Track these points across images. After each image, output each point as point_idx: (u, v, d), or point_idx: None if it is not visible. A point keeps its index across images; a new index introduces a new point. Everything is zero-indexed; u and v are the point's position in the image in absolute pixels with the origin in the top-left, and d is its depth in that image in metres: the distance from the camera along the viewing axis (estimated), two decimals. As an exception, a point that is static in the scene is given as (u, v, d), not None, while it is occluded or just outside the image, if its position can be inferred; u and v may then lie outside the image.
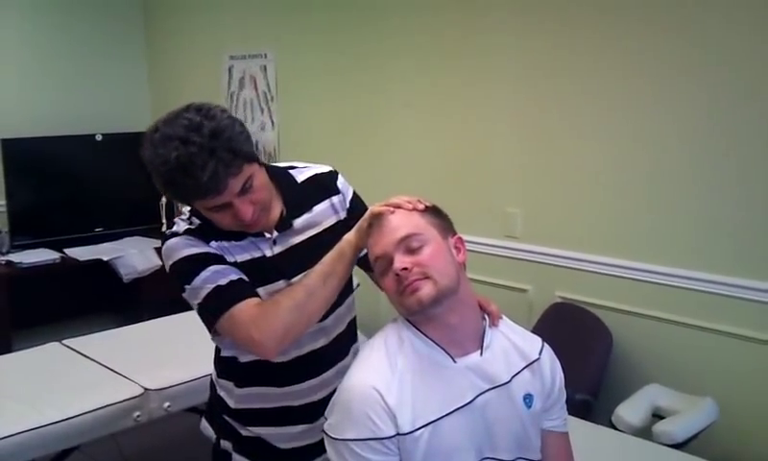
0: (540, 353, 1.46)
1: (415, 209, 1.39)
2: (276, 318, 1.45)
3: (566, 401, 1.51)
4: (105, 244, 4.55)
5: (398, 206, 1.40)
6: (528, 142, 3.06)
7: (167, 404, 2.63)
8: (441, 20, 3.31)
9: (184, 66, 4.90)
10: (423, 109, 3.46)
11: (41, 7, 4.70)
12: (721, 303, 2.53)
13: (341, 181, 1.69)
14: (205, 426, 1.78)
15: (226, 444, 1.71)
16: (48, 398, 2.50)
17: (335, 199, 1.66)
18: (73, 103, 4.80)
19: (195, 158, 1.36)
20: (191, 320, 1.58)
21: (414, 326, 1.37)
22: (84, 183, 4.72)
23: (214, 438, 1.74)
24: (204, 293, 1.48)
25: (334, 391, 1.38)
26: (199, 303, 1.50)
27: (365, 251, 1.46)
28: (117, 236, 4.68)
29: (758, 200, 2.43)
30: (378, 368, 1.33)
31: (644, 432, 2.36)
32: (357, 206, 1.67)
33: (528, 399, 1.40)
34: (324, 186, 1.67)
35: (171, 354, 2.90)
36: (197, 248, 1.51)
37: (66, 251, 4.38)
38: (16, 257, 4.20)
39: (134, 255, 4.37)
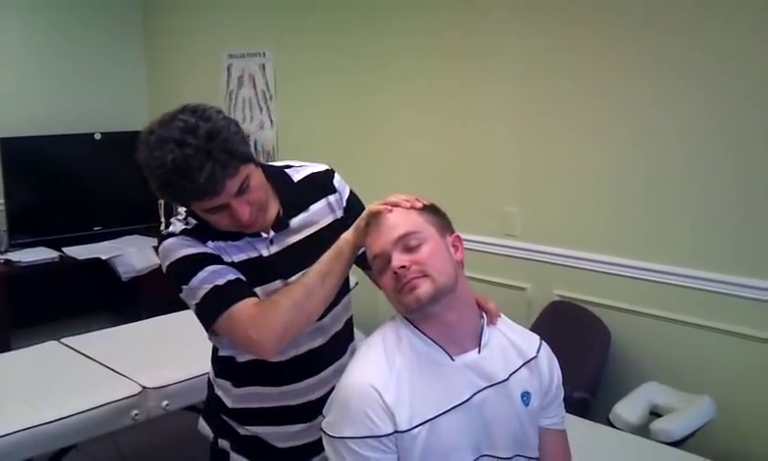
0: (538, 351, 1.46)
1: (413, 208, 1.39)
2: (274, 317, 1.45)
3: (564, 399, 1.51)
4: (103, 243, 4.55)
5: (396, 205, 1.40)
6: (527, 141, 3.06)
7: (165, 403, 2.63)
8: (440, 20, 3.31)
9: (183, 65, 4.90)
10: (423, 109, 3.46)
11: (40, 6, 4.69)
12: (719, 301, 2.54)
13: (337, 180, 1.69)
14: (203, 426, 1.78)
15: (224, 443, 1.71)
16: (46, 396, 2.49)
17: (332, 198, 1.66)
18: (71, 102, 4.80)
19: (191, 161, 1.36)
20: (190, 319, 1.57)
21: (412, 324, 1.37)
22: (83, 182, 4.72)
23: (212, 437, 1.74)
24: (201, 293, 1.48)
25: (332, 390, 1.39)
26: (196, 304, 1.50)
27: (363, 249, 1.46)
28: (116, 235, 4.68)
29: (757, 198, 2.44)
30: (376, 366, 1.33)
31: (642, 430, 2.37)
32: (354, 205, 1.67)
33: (526, 396, 1.40)
34: (320, 185, 1.66)
35: (169, 353, 2.90)
36: (194, 248, 1.50)
37: (65, 249, 4.38)
38: (15, 256, 4.20)
39: (133, 254, 4.37)
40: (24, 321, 4.16)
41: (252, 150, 4.28)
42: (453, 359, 1.35)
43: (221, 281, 1.47)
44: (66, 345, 3.01)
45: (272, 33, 4.22)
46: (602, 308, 2.84)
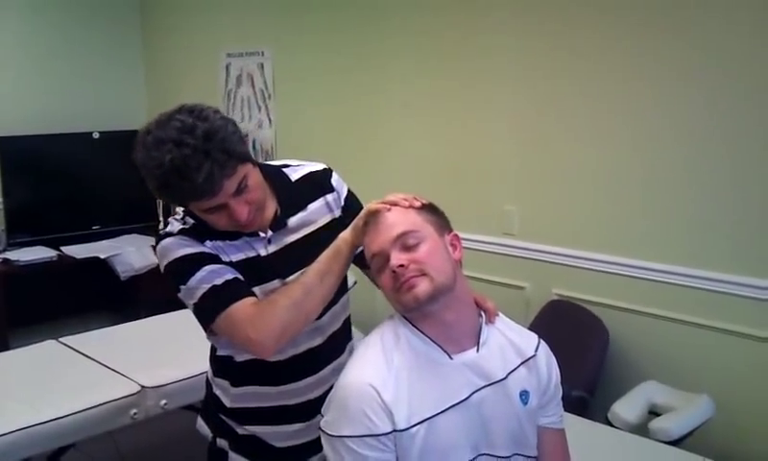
0: (537, 350, 1.46)
1: (411, 207, 1.40)
2: (273, 317, 1.44)
3: (563, 398, 1.51)
4: (102, 242, 4.55)
5: (395, 204, 1.40)
6: (526, 141, 3.06)
7: (164, 402, 2.63)
8: (440, 20, 3.30)
9: (181, 64, 4.90)
10: (422, 108, 3.46)
11: (38, 5, 4.69)
12: (718, 300, 2.54)
13: (335, 179, 1.69)
14: (201, 425, 1.78)
15: (222, 442, 1.71)
16: (45, 395, 2.49)
17: (330, 197, 1.66)
18: (70, 101, 4.80)
19: (189, 161, 1.35)
20: (188, 318, 1.57)
21: (410, 323, 1.37)
22: (82, 181, 4.72)
23: (210, 436, 1.74)
24: (199, 293, 1.48)
25: (330, 389, 1.38)
26: (195, 303, 1.50)
27: (361, 248, 1.46)
28: (114, 234, 4.68)
29: (756, 197, 2.44)
30: (375, 365, 1.33)
31: (640, 429, 2.37)
32: (352, 204, 1.67)
33: (524, 395, 1.40)
34: (318, 184, 1.66)
35: (168, 352, 2.90)
36: (192, 248, 1.50)
37: (63, 249, 4.38)
38: (13, 255, 4.19)
39: (132, 253, 4.37)
40: (22, 320, 4.16)
41: (251, 149, 4.29)
42: (452, 358, 1.35)
43: (219, 281, 1.47)
44: (65, 344, 3.00)
45: (270, 32, 4.21)
46: (601, 307, 2.84)
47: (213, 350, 1.70)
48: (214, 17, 4.57)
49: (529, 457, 1.43)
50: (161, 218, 4.60)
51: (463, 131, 3.29)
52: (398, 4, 3.47)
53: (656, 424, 2.34)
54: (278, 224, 1.57)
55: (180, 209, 1.58)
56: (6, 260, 4.16)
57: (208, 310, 1.49)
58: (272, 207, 1.57)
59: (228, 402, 1.68)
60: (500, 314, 1.48)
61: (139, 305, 4.14)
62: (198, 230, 1.52)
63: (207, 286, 1.47)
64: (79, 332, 3.18)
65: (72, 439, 2.47)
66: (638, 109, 2.69)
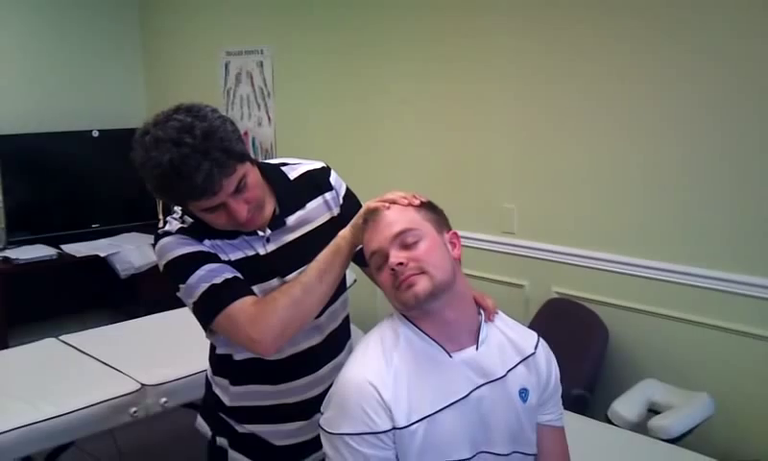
0: (536, 348, 1.46)
1: (410, 205, 1.40)
2: (273, 315, 1.44)
3: (562, 396, 1.51)
4: (102, 240, 4.55)
5: (394, 202, 1.40)
6: (525, 139, 3.06)
7: (164, 400, 2.63)
8: (438, 19, 3.30)
9: (181, 62, 4.89)
10: (421, 107, 3.46)
11: (38, 4, 4.69)
12: (718, 298, 2.54)
13: (334, 178, 1.69)
14: (201, 423, 1.78)
15: (222, 440, 1.71)
16: (45, 393, 2.49)
17: (328, 195, 1.66)
18: (69, 99, 4.80)
19: (188, 160, 1.35)
20: (188, 316, 1.57)
21: (409, 321, 1.37)
22: (81, 180, 4.72)
23: (210, 435, 1.74)
24: (199, 291, 1.48)
25: (329, 387, 1.38)
26: (194, 302, 1.50)
27: (360, 246, 1.46)
28: (114, 232, 4.68)
29: (756, 195, 2.44)
30: (374, 363, 1.33)
31: (640, 427, 2.37)
32: (351, 202, 1.67)
33: (523, 393, 1.40)
34: (316, 183, 1.66)
35: (168, 350, 2.90)
36: (190, 246, 1.50)
37: (63, 247, 4.38)
38: (13, 253, 4.20)
39: (131, 251, 4.38)
40: (22, 318, 4.16)
41: (251, 147, 4.30)
42: (451, 356, 1.35)
43: (218, 280, 1.47)
44: (65, 342, 3.00)
45: (270, 30, 4.21)
46: (600, 305, 2.84)
47: (212, 348, 1.70)
48: (213, 15, 4.57)
49: (528, 455, 1.44)
50: (161, 216, 4.60)
51: (462, 129, 3.29)
52: (398, 2, 3.47)
53: (655, 422, 2.34)
54: (277, 222, 1.57)
55: (178, 208, 1.58)
56: (6, 259, 4.16)
57: (208, 309, 1.48)
58: (270, 206, 1.57)
59: (227, 401, 1.68)
60: (499, 312, 1.48)
61: (139, 304, 4.15)
62: (196, 229, 1.52)
63: (207, 285, 1.47)
64: (79, 330, 3.18)
65: (72, 437, 2.47)
66: (637, 107, 2.69)
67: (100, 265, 4.32)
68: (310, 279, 1.48)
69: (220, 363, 1.68)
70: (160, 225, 1.58)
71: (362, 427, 1.27)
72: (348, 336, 1.75)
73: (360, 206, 1.51)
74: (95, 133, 4.66)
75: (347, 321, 1.74)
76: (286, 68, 4.15)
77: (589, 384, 2.65)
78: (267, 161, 1.67)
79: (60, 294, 4.53)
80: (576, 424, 1.98)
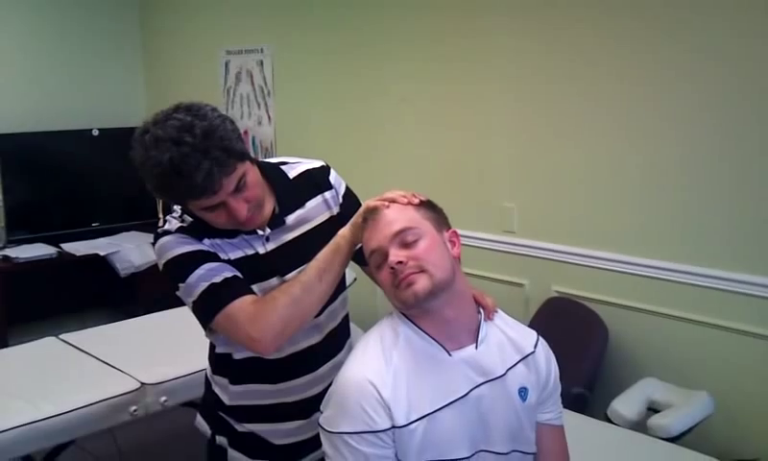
0: (535, 347, 1.46)
1: (410, 204, 1.40)
2: (273, 314, 1.44)
3: (562, 395, 1.51)
4: (101, 239, 4.56)
5: (393, 201, 1.40)
6: (525, 138, 3.06)
7: (164, 399, 2.62)
8: (439, 18, 3.30)
9: (180, 61, 4.89)
10: (420, 105, 3.46)
11: (37, 3, 4.68)
12: (717, 297, 2.54)
13: (333, 176, 1.69)
14: (200, 422, 1.78)
15: (221, 439, 1.71)
16: (44, 392, 2.49)
17: (327, 194, 1.66)
18: (69, 98, 4.80)
19: (188, 159, 1.35)
20: (188, 315, 1.57)
21: (409, 319, 1.37)
22: (81, 178, 4.72)
23: (209, 433, 1.74)
24: (198, 291, 1.47)
25: (329, 386, 1.38)
26: (193, 301, 1.50)
27: (360, 245, 1.46)
28: (114, 231, 4.69)
29: (756, 194, 2.44)
30: (373, 361, 1.33)
31: (639, 426, 2.37)
32: (350, 201, 1.67)
33: (523, 392, 1.40)
34: (316, 182, 1.66)
35: (168, 349, 2.90)
36: (190, 245, 1.50)
37: (63, 246, 4.38)
38: (13, 252, 4.20)
39: (131, 250, 4.38)
40: (22, 317, 4.16)
41: (251, 146, 4.30)
42: (450, 355, 1.35)
43: (218, 279, 1.47)
44: (64, 341, 3.00)
45: (269, 29, 4.21)
46: (600, 304, 2.84)
47: (212, 347, 1.70)
48: (213, 14, 4.57)
49: (528, 454, 1.44)
50: (161, 215, 4.58)
51: (462, 128, 3.29)
52: (398, 2, 3.47)
53: (655, 420, 2.34)
54: (277, 221, 1.57)
55: (177, 207, 1.58)
56: (6, 257, 4.16)
57: (207, 308, 1.48)
58: (270, 205, 1.57)
59: (226, 400, 1.68)
60: (499, 311, 1.48)
61: (139, 302, 4.15)
62: (196, 228, 1.52)
63: (206, 284, 1.47)
64: (78, 329, 3.18)
65: (72, 436, 2.47)
66: (637, 106, 2.69)
67: (100, 264, 4.32)
68: (310, 277, 1.48)
69: (219, 362, 1.68)
70: (160, 224, 1.58)
71: (361, 426, 1.27)
72: (348, 335, 1.75)
73: (360, 204, 1.51)
74: (95, 132, 4.66)
75: (346, 320, 1.74)
76: (286, 67, 4.15)
77: (589, 383, 2.65)
78: (266, 160, 1.66)
79: (60, 293, 4.53)
80: (575, 423, 1.98)
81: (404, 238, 1.34)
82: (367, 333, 1.42)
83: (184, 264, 1.49)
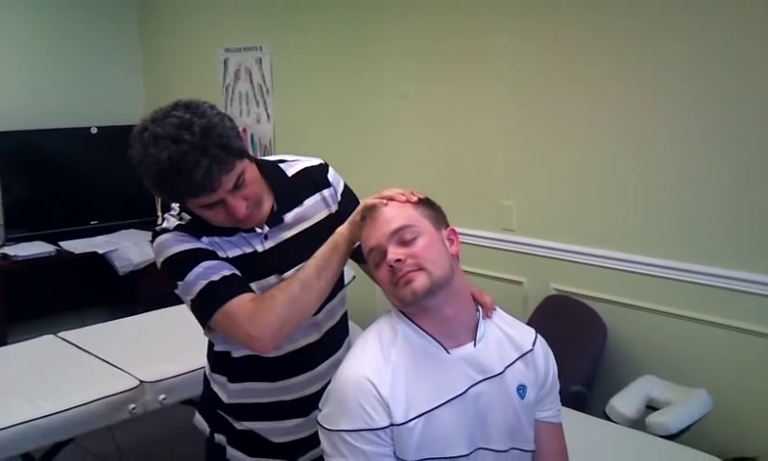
0: (534, 345, 1.46)
1: (408, 201, 1.40)
2: (271, 312, 1.44)
3: (560, 393, 1.51)
4: (100, 237, 4.56)
5: (391, 199, 1.40)
6: (524, 136, 3.06)
7: (163, 397, 2.63)
8: (438, 18, 3.30)
9: (179, 59, 4.89)
10: (419, 103, 3.46)
11: (37, 2, 4.68)
12: (716, 295, 2.54)
13: (331, 174, 1.69)
14: (199, 420, 1.78)
15: (220, 437, 1.71)
16: (43, 390, 2.49)
17: (326, 192, 1.65)
18: (68, 96, 4.80)
19: (187, 157, 1.35)
20: (187, 313, 1.57)
21: (407, 317, 1.37)
22: (80, 177, 4.72)
23: (208, 431, 1.74)
24: (197, 289, 1.47)
25: (327, 384, 1.38)
26: (192, 299, 1.50)
27: (358, 243, 1.46)
28: (113, 229, 4.69)
29: (755, 192, 2.44)
30: (372, 359, 1.33)
31: (638, 424, 2.37)
32: (349, 199, 1.67)
33: (521, 389, 1.40)
34: (314, 180, 1.65)
35: (167, 347, 2.90)
36: (188, 244, 1.50)
37: (62, 244, 4.38)
38: (12, 250, 4.20)
39: (130, 248, 4.38)
40: (21, 315, 4.16)
41: (249, 144, 4.29)
42: (449, 352, 1.35)
43: (216, 277, 1.47)
44: (63, 339, 3.00)
45: (268, 27, 4.21)
46: (599, 302, 2.84)
47: (211, 345, 1.70)
48: (212, 12, 4.57)
49: (526, 451, 1.44)
50: (160, 213, 4.59)
51: (460, 126, 3.29)
52: (398, 2, 3.47)
53: (653, 418, 2.34)
54: (275, 219, 1.57)
55: (176, 205, 1.57)
56: (4, 255, 4.16)
57: (206, 306, 1.48)
58: (268, 203, 1.56)
59: (225, 398, 1.68)
60: (497, 308, 1.48)
61: (137, 300, 4.15)
62: (194, 226, 1.52)
63: (205, 282, 1.47)
64: (77, 327, 3.18)
65: (71, 434, 2.47)
66: (636, 105, 2.69)
67: (98, 262, 4.32)
68: (308, 276, 1.48)
69: (218, 360, 1.68)
70: (158, 222, 1.58)
71: (360, 424, 1.27)
72: (347, 333, 1.75)
73: (358, 202, 1.51)
74: (94, 130, 4.66)
75: (345, 318, 1.74)
76: (285, 65, 4.15)
77: (588, 381, 2.65)
78: (265, 158, 1.66)
79: (59, 291, 4.53)
80: (574, 421, 1.98)
81: (402, 236, 1.34)
82: (365, 331, 1.42)
83: (183, 262, 1.49)
